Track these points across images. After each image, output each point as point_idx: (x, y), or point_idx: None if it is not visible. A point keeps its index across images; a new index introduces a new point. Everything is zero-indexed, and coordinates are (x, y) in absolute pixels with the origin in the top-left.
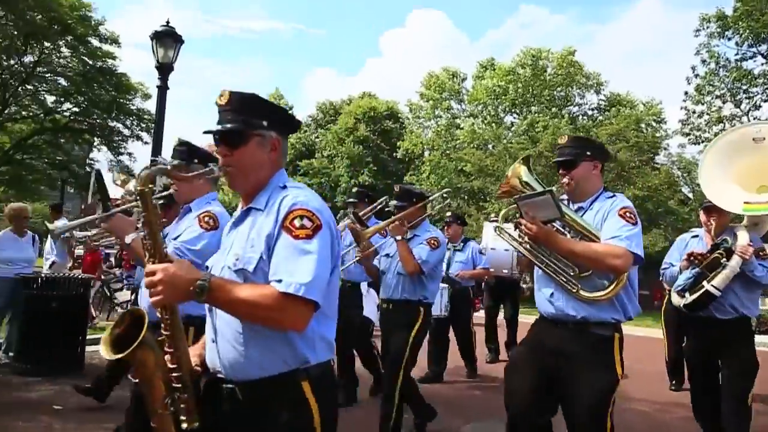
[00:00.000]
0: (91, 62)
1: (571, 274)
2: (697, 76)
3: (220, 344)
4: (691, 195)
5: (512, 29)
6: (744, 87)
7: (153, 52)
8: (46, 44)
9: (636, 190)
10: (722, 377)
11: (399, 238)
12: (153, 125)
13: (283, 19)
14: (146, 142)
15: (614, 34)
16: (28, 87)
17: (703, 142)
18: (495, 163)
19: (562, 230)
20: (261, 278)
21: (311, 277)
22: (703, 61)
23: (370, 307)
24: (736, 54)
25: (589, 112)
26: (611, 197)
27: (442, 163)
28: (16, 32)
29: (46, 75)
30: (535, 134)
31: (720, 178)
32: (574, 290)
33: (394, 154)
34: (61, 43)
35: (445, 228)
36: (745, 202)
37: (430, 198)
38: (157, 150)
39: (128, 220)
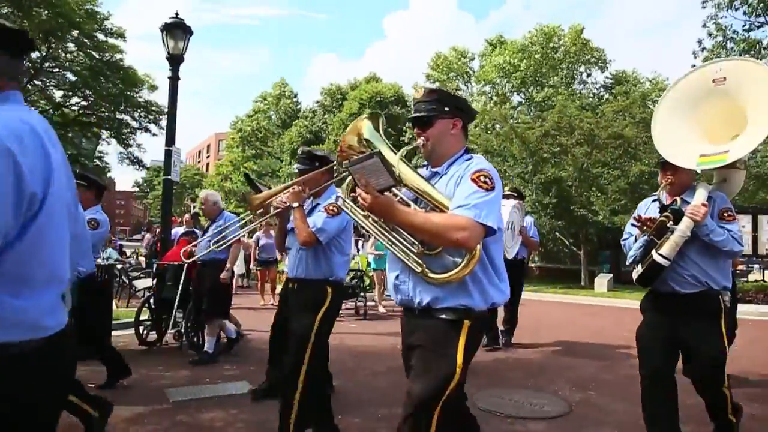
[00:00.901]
0: (97, 56)
1: (415, 251)
2: (704, 49)
3: None
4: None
5: (516, 8)
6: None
7: (163, 43)
8: (53, 40)
9: (642, 166)
10: (689, 367)
11: (295, 205)
12: (160, 117)
13: (285, 5)
14: (154, 134)
15: (621, 6)
16: (36, 83)
17: None
18: (502, 143)
19: (407, 201)
20: None
21: None
22: (710, 34)
23: None
24: (744, 25)
25: (595, 91)
26: (468, 159)
27: None
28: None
29: (54, 70)
30: (540, 113)
31: (676, 128)
32: (419, 270)
33: (402, 138)
34: (68, 38)
35: None
36: (701, 155)
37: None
38: (170, 140)
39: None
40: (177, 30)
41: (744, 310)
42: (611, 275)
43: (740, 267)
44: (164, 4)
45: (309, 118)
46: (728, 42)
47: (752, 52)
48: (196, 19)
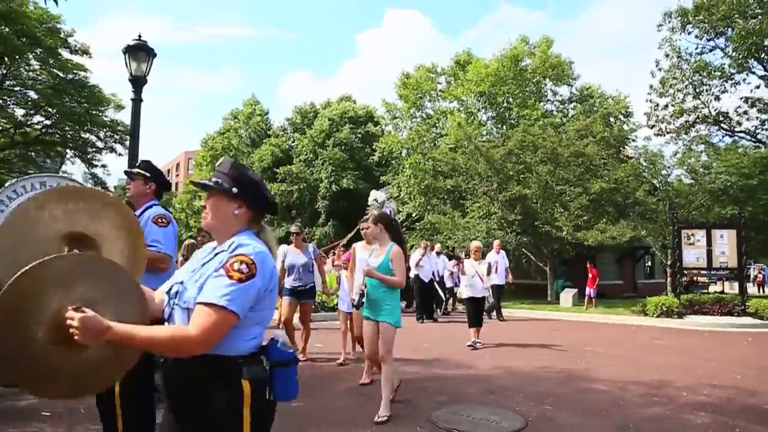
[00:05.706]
0: (61, 74)
1: None
2: (660, 69)
3: None
4: (659, 185)
5: (490, 27)
6: (704, 80)
7: (126, 65)
8: (17, 57)
9: (602, 183)
10: None
11: None
12: (127, 137)
13: (256, 25)
14: (120, 154)
15: (592, 27)
16: None
17: (668, 133)
18: (467, 162)
19: None
20: None
21: None
22: (666, 55)
23: None
24: (696, 47)
25: (560, 106)
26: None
27: (420, 163)
28: None
29: (15, 88)
30: (504, 132)
31: None
32: None
33: (371, 159)
34: (30, 55)
35: None
36: None
37: None
38: (133, 161)
39: None
40: (140, 52)
41: (698, 322)
42: (576, 290)
43: (701, 279)
44: (136, 23)
45: (279, 136)
46: (683, 63)
47: (702, 74)
48: (171, 40)
